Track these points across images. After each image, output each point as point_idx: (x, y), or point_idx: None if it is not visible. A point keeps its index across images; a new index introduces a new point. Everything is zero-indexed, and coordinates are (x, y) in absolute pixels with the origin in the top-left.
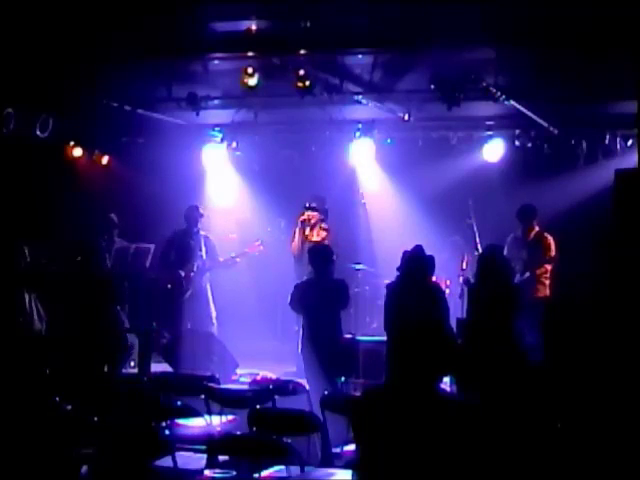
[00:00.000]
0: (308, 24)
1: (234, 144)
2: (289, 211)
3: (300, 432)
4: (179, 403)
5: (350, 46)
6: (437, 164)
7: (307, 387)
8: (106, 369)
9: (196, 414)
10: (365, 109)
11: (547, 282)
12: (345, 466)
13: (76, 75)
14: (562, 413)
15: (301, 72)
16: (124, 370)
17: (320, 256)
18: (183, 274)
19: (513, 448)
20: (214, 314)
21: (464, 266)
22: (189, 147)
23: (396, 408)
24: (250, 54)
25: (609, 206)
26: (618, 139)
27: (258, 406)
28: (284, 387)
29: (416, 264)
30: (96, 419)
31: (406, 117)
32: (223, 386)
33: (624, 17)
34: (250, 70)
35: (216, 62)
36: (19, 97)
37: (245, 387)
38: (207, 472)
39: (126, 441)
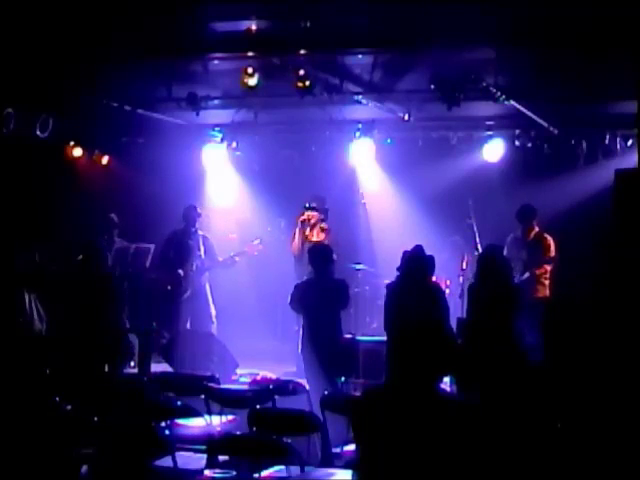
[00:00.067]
0: (308, 24)
1: (234, 144)
2: (289, 211)
3: (300, 432)
4: (179, 403)
5: (350, 46)
6: (437, 164)
7: (307, 387)
8: (106, 369)
9: (196, 414)
10: (365, 109)
11: (547, 282)
12: (345, 466)
13: (76, 75)
14: (562, 413)
15: (301, 72)
16: (124, 370)
17: (320, 256)
18: (182, 274)
19: (513, 448)
20: (214, 313)
21: (464, 266)
22: (189, 147)
23: (396, 408)
24: (250, 54)
25: (609, 206)
26: (618, 139)
27: (258, 406)
28: (284, 387)
29: (416, 264)
30: (96, 419)
31: (406, 117)
32: (223, 386)
33: (624, 17)
34: (250, 70)
35: (216, 62)
36: (19, 97)
37: (245, 387)
38: (207, 472)
39: (126, 441)
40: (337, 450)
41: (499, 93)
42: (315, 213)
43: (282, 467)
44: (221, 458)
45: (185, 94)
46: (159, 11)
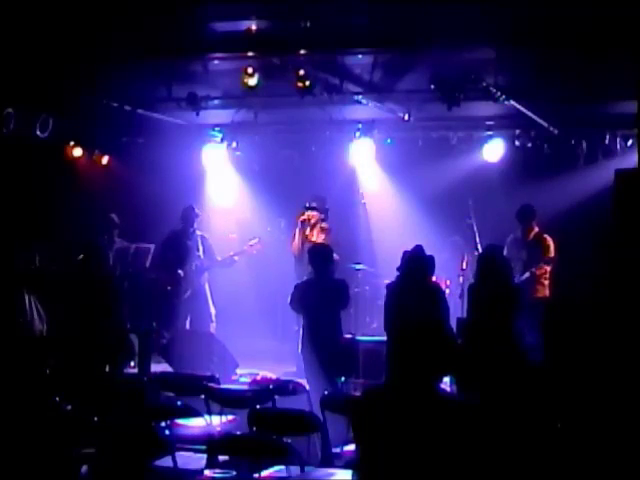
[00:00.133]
0: (308, 24)
1: (234, 144)
2: (289, 211)
3: (300, 432)
4: (179, 403)
5: (350, 46)
6: (437, 164)
7: (307, 387)
8: (107, 369)
9: (196, 414)
10: (365, 109)
11: (546, 282)
12: (345, 466)
13: (76, 75)
14: (562, 413)
15: (301, 72)
16: (124, 370)
17: (320, 256)
18: (182, 274)
19: (513, 448)
20: (213, 313)
21: (464, 266)
22: (189, 147)
23: (396, 408)
24: (250, 54)
25: (609, 206)
26: (618, 139)
27: (258, 406)
28: (284, 387)
29: (416, 264)
30: (96, 419)
31: (406, 117)
32: (223, 386)
33: (624, 17)
34: (250, 70)
35: (216, 62)
36: (19, 97)
37: (245, 387)
38: (207, 472)
39: (126, 441)
40: (337, 450)
41: (499, 93)
42: (315, 213)
43: (282, 467)
44: (221, 458)
45: (185, 94)
46: (159, 11)
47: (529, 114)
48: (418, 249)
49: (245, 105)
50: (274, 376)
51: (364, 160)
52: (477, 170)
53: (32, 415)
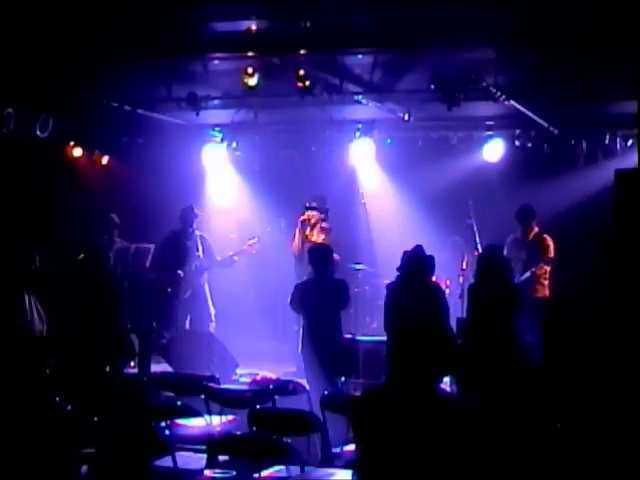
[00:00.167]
0: (308, 24)
1: (234, 144)
2: (289, 211)
3: (300, 432)
4: (179, 403)
5: (350, 46)
6: (437, 164)
7: (307, 387)
8: (108, 369)
9: (196, 414)
10: (365, 109)
11: (546, 283)
12: (345, 466)
13: (76, 75)
14: (562, 413)
15: (301, 72)
16: (124, 370)
17: (320, 256)
18: (182, 275)
19: (513, 448)
20: (213, 313)
21: (464, 266)
22: (189, 147)
23: (396, 408)
24: (250, 54)
25: (609, 206)
26: (618, 139)
27: (258, 406)
28: (284, 387)
29: (416, 264)
30: (96, 419)
31: (406, 117)
32: (223, 386)
33: (624, 17)
34: (250, 70)
35: (216, 62)
36: (19, 97)
37: (245, 387)
38: (207, 472)
39: (126, 441)
40: (337, 450)
41: (499, 93)
42: (315, 213)
43: (282, 467)
44: (221, 458)
45: (185, 94)
46: (159, 11)
47: (529, 114)
48: (418, 249)
49: (245, 105)
50: (274, 376)
51: (364, 160)
52: (477, 170)
53: (32, 415)
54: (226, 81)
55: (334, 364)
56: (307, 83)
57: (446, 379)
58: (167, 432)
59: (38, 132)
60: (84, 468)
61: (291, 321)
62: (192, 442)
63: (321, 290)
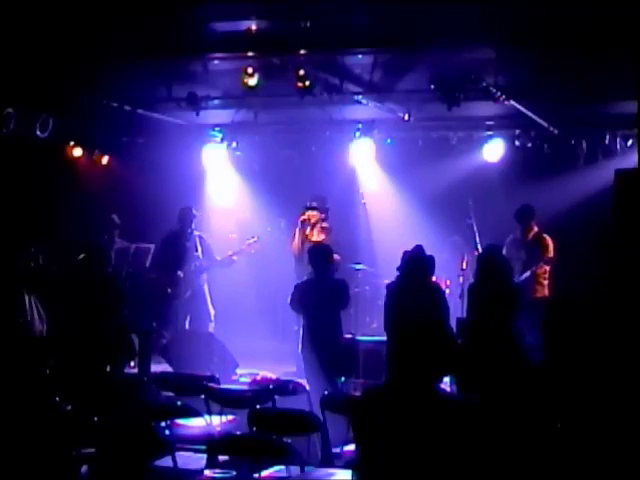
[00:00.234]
0: (308, 24)
1: (234, 144)
2: (289, 211)
3: (300, 432)
4: (179, 403)
5: (350, 46)
6: (437, 164)
7: (307, 387)
8: (108, 369)
9: (196, 414)
10: (365, 109)
11: (545, 282)
12: (345, 466)
13: (76, 75)
14: (562, 413)
15: (301, 72)
16: (124, 370)
17: (320, 256)
18: (181, 275)
19: (513, 448)
20: (212, 313)
21: (464, 266)
22: (189, 147)
23: (396, 408)
24: (250, 54)
25: (609, 206)
26: (618, 139)
27: (258, 406)
28: (284, 387)
29: (416, 264)
30: (96, 419)
31: (406, 117)
32: (223, 386)
33: (624, 17)
34: (250, 70)
35: (216, 62)
36: (19, 97)
37: (245, 387)
38: (207, 472)
39: (126, 441)
40: (337, 450)
41: (499, 93)
42: (315, 213)
43: (282, 467)
44: (221, 458)
45: (185, 94)
46: (159, 11)
47: (529, 114)
48: (418, 249)
49: (245, 105)
50: (274, 376)
51: (364, 160)
52: (477, 170)
53: (32, 415)
54: (226, 81)
55: (334, 364)
56: (307, 83)
57: (446, 379)
58: (167, 432)
59: (38, 132)
60: (84, 468)
61: (291, 321)
62: (192, 442)
63: (321, 290)
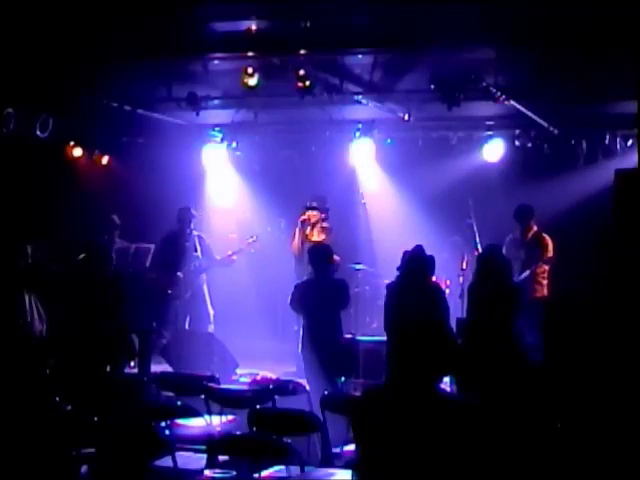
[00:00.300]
0: (308, 24)
1: (234, 144)
2: (289, 211)
3: (300, 432)
4: (179, 403)
5: (350, 46)
6: (437, 164)
7: (307, 387)
8: (108, 369)
9: (196, 414)
10: (365, 109)
11: (544, 282)
12: (345, 466)
13: (76, 75)
14: (562, 413)
15: (301, 72)
16: (124, 370)
17: (320, 256)
18: (182, 276)
19: (513, 448)
20: (212, 313)
21: (464, 266)
22: (189, 147)
23: (396, 408)
24: (250, 54)
25: (609, 206)
26: (618, 139)
27: (258, 406)
28: (284, 387)
29: (416, 264)
30: (96, 419)
31: (406, 117)
32: (223, 386)
33: (624, 17)
34: (250, 70)
35: (216, 62)
36: (19, 97)
37: (245, 387)
38: (207, 472)
39: (126, 441)
40: (337, 450)
41: (499, 93)
42: (315, 212)
43: (282, 467)
44: (221, 458)
45: (185, 94)
46: (159, 11)
47: (529, 114)
48: (418, 249)
49: (245, 105)
50: (274, 376)
51: (364, 160)
52: (477, 170)
53: (32, 415)
54: (226, 81)
55: (334, 364)
56: (307, 83)
57: (446, 379)
58: (167, 432)
59: (38, 132)
60: (84, 468)
61: (291, 321)
62: (192, 442)
63: (321, 290)
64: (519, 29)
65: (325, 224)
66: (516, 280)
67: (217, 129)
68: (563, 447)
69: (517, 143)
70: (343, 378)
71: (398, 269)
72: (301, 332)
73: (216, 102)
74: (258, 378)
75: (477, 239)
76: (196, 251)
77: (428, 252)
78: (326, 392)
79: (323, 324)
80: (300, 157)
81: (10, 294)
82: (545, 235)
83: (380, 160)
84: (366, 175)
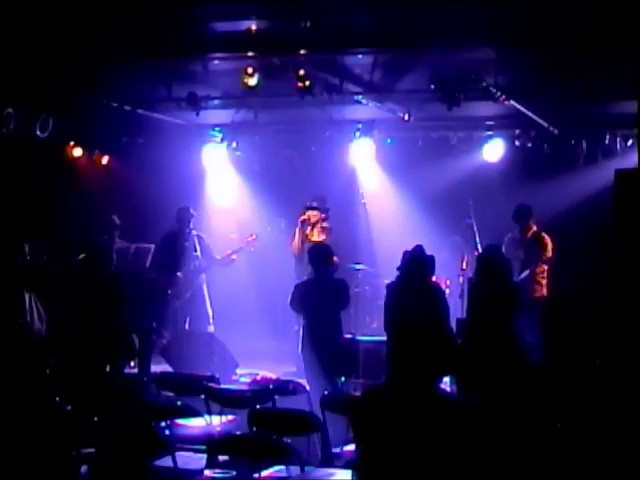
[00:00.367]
0: (308, 24)
1: (234, 144)
2: (289, 211)
3: (300, 432)
4: (179, 403)
5: (350, 46)
6: (437, 164)
7: (307, 387)
8: (108, 369)
9: (196, 414)
10: (365, 109)
11: (544, 282)
12: (345, 466)
13: (76, 75)
14: (562, 413)
15: (301, 72)
16: (124, 370)
17: (320, 256)
18: (181, 276)
19: (513, 448)
20: (211, 314)
21: (464, 266)
22: (189, 147)
23: (396, 408)
24: (250, 54)
25: (609, 206)
26: (618, 139)
27: (258, 406)
28: (284, 387)
29: (416, 264)
30: (96, 419)
31: (406, 117)
32: (223, 386)
33: (624, 17)
34: (250, 70)
35: (216, 62)
36: (19, 97)
37: (245, 387)
38: (207, 472)
39: (126, 441)
40: (337, 450)
41: (499, 93)
42: (315, 212)
43: (282, 467)
44: (221, 458)
45: (185, 94)
46: (159, 11)
47: (529, 114)
48: (418, 249)
49: (245, 105)
50: (274, 376)
51: (364, 160)
52: (477, 170)
53: (32, 415)
54: (226, 81)
55: (334, 364)
56: (307, 83)
57: (446, 379)
58: (167, 432)
59: (38, 132)
60: (84, 468)
61: (291, 321)
62: (192, 442)
63: (321, 290)
64: (519, 29)
65: (325, 224)
66: (516, 279)
67: (217, 129)
68: (563, 447)
69: (517, 143)
70: (343, 378)
71: (398, 269)
72: (301, 332)
73: (216, 102)
74: (258, 378)
75: (477, 239)
76: (195, 251)
77: (428, 252)
78: (326, 392)
79: (323, 324)
80: (300, 157)
81: (9, 293)
82: (544, 235)
83: (380, 160)
84: (366, 175)
